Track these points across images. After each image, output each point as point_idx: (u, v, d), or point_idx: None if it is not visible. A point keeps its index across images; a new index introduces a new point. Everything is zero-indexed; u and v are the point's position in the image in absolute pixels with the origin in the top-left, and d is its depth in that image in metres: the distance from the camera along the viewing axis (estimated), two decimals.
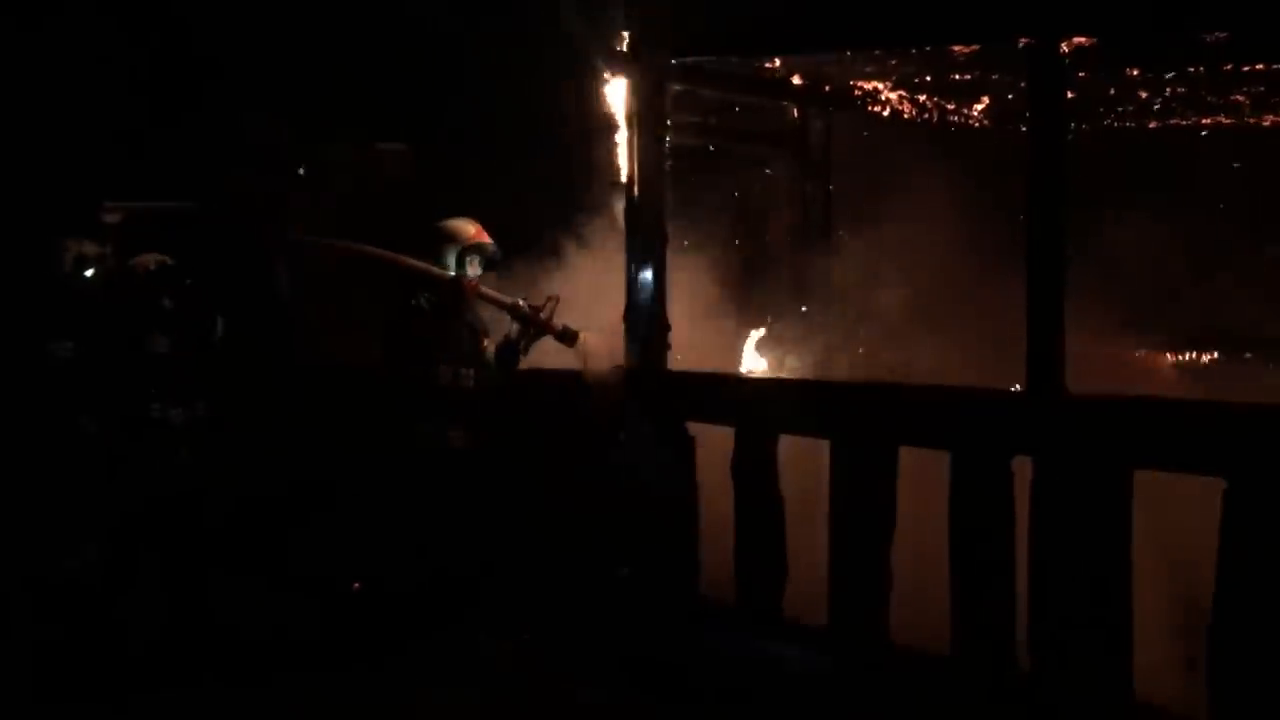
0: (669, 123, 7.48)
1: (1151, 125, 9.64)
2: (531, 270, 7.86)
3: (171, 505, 7.29)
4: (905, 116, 9.48)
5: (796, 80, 8.79)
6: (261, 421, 8.48)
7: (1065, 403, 5.86)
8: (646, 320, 7.30)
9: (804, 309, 9.14)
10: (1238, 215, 9.85)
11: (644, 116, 7.30)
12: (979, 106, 9.48)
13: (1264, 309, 9.25)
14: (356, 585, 7.54)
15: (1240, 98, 8.71)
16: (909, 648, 6.36)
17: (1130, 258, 9.74)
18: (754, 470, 6.88)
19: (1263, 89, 8.41)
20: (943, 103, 9.35)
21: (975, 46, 7.33)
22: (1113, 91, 8.64)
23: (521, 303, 7.26)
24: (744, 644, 6.86)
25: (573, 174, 8.76)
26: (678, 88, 7.72)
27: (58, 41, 10.33)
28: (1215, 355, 10.22)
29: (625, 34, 7.29)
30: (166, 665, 6.82)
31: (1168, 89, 8.53)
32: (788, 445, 6.86)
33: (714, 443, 7.08)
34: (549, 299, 7.27)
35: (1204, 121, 9.44)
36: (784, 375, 8.39)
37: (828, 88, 8.98)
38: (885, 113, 9.34)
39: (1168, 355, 10.28)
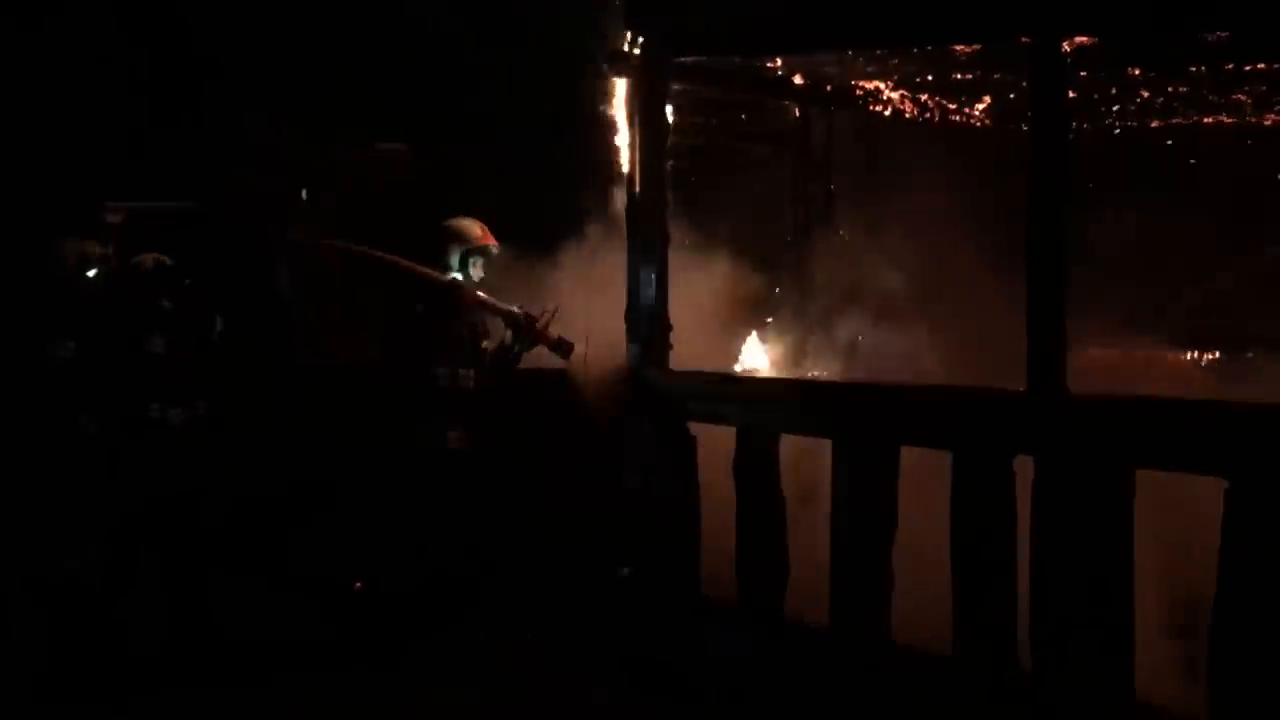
0: (670, 122, 7.48)
1: (1153, 124, 9.64)
2: (531, 270, 7.85)
3: (171, 505, 7.29)
4: (907, 116, 9.48)
5: (798, 80, 8.79)
6: (261, 421, 8.48)
7: (1066, 402, 5.85)
8: (648, 320, 7.30)
9: (805, 308, 9.13)
10: (1239, 214, 9.84)
11: (645, 116, 7.29)
12: (980, 106, 9.48)
13: (1265, 308, 9.25)
14: (358, 585, 7.53)
15: (1242, 97, 8.71)
16: (910, 647, 6.35)
17: (1131, 257, 9.74)
18: (755, 470, 6.88)
19: (1264, 88, 8.41)
20: (944, 102, 9.35)
21: (977, 46, 7.32)
22: (1114, 91, 8.64)
23: (518, 310, 7.20)
24: (745, 644, 6.85)
25: (573, 174, 8.76)
26: (679, 87, 7.72)
27: (58, 42, 10.32)
28: (1216, 354, 10.21)
29: (626, 34, 7.28)
30: (166, 665, 6.82)
31: (1169, 88, 8.52)
32: (789, 445, 6.86)
33: (715, 442, 7.08)
34: (546, 310, 7.21)
35: (1205, 121, 9.44)
36: (784, 375, 8.38)
37: (829, 87, 8.99)
38: (887, 112, 9.35)
39: (1169, 354, 10.27)
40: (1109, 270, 9.07)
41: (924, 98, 9.23)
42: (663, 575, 7.21)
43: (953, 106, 9.48)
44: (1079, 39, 6.27)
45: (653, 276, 7.31)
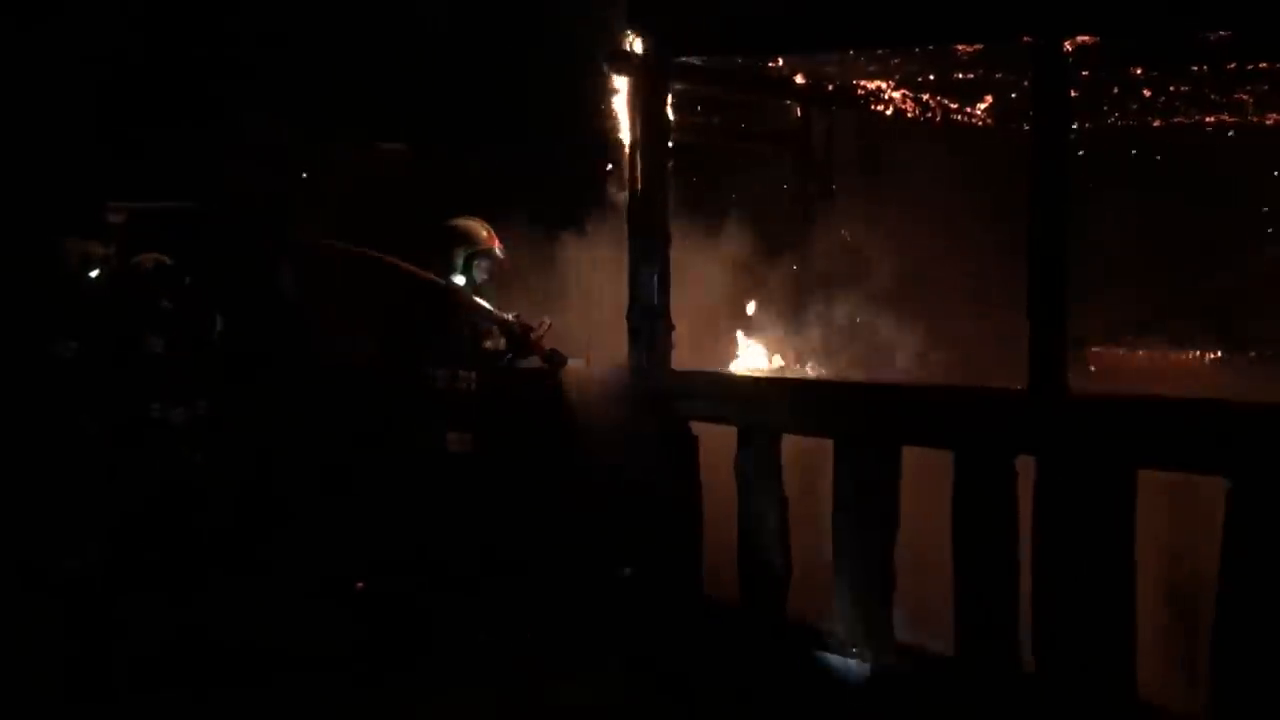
0: (671, 122, 7.47)
1: (1155, 124, 9.63)
2: (531, 271, 7.85)
3: (171, 505, 7.29)
4: (908, 115, 9.47)
5: (799, 79, 8.78)
6: (262, 421, 8.48)
7: (1068, 402, 5.85)
8: (649, 319, 7.29)
9: (806, 308, 9.12)
10: (1241, 213, 9.84)
11: (646, 116, 7.28)
12: (982, 105, 9.47)
13: (1267, 307, 9.24)
14: (360, 585, 7.53)
15: (1244, 96, 8.70)
16: (912, 647, 6.36)
17: (1133, 256, 9.73)
18: (757, 470, 6.88)
19: (1266, 87, 8.40)
20: (946, 102, 9.34)
21: (978, 45, 7.32)
22: (1116, 90, 8.62)
23: (512, 319, 7.18)
24: (747, 644, 6.85)
25: (574, 173, 8.75)
26: (680, 87, 7.71)
27: (59, 41, 10.32)
28: (1218, 354, 10.20)
29: (628, 33, 7.27)
30: (166, 665, 6.82)
31: (1171, 87, 8.51)
32: (790, 445, 6.86)
33: (717, 442, 7.07)
34: (541, 322, 7.19)
35: (1207, 120, 9.43)
36: (786, 375, 8.38)
37: (830, 87, 8.98)
38: (888, 112, 9.33)
39: (1170, 354, 10.26)
40: (1110, 269, 9.06)
41: (925, 97, 9.21)
42: (664, 575, 7.21)
43: (954, 106, 9.47)
44: (1081, 38, 6.26)
45: (654, 276, 7.29)
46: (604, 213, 8.01)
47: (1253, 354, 9.86)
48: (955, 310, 8.86)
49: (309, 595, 7.75)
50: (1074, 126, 6.62)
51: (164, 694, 6.58)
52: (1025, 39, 6.08)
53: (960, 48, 7.48)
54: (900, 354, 8.58)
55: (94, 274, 7.87)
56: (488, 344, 7.26)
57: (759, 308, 8.61)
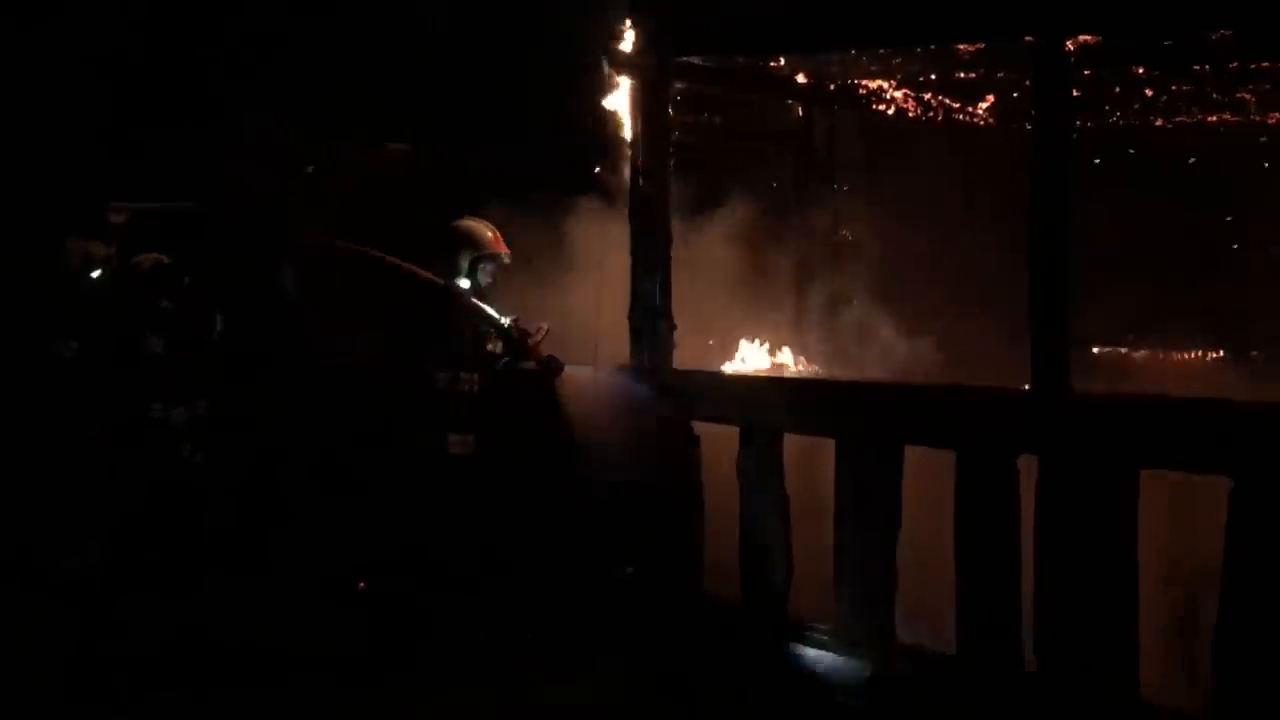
0: (672, 121, 7.47)
1: (1157, 123, 9.62)
2: (532, 271, 7.84)
3: (171, 505, 7.28)
4: (910, 115, 9.46)
5: (801, 79, 8.77)
6: (262, 421, 8.47)
7: (1070, 402, 5.84)
8: (651, 319, 7.28)
9: (807, 307, 9.13)
10: (1243, 213, 9.83)
11: (649, 116, 7.28)
12: (984, 105, 9.46)
13: (1270, 307, 9.23)
14: (361, 585, 7.52)
15: (1246, 95, 8.69)
16: (913, 647, 6.35)
17: (1135, 255, 9.72)
18: (758, 469, 6.87)
19: (1268, 87, 8.39)
20: (948, 101, 9.33)
21: (980, 45, 7.31)
22: (1118, 89, 8.62)
23: (509, 323, 7.14)
24: (748, 643, 6.84)
25: (576, 173, 8.74)
26: (682, 86, 7.71)
27: (61, 41, 10.32)
28: (1221, 354, 10.20)
29: (630, 33, 7.27)
30: (166, 665, 6.81)
31: (1172, 87, 8.51)
32: (791, 444, 6.85)
33: (719, 441, 7.07)
34: (539, 328, 7.14)
35: (1209, 119, 9.42)
36: (787, 374, 8.37)
37: (832, 86, 8.97)
38: (890, 111, 9.33)
39: (1173, 353, 10.26)
40: (1112, 269, 9.05)
41: (927, 97, 9.21)
42: (665, 575, 7.21)
43: (956, 105, 9.47)
44: (1082, 37, 6.26)
45: (656, 275, 7.29)
46: (605, 212, 8.00)
47: (1255, 353, 9.86)
48: (957, 310, 8.86)
49: (309, 595, 7.74)
50: (1076, 126, 6.60)
51: (164, 694, 6.57)
52: (1027, 38, 6.08)
53: (962, 47, 7.47)
54: (901, 353, 8.58)
55: (95, 274, 7.85)
56: (490, 347, 7.21)
57: (760, 307, 8.60)
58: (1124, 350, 10.38)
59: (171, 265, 7.46)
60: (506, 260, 7.24)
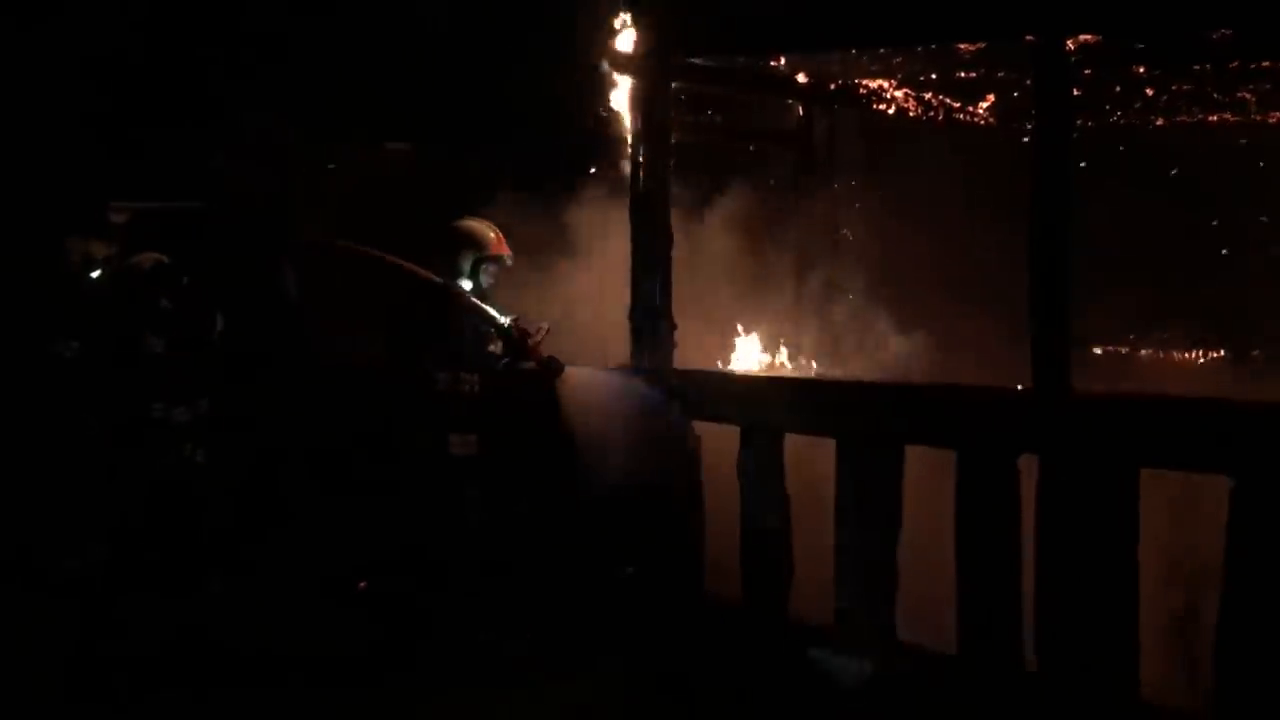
0: (673, 121, 7.47)
1: (1157, 122, 9.62)
2: (533, 271, 7.83)
3: (172, 505, 7.27)
4: (910, 114, 9.46)
5: (801, 78, 8.77)
6: (262, 421, 8.46)
7: (1071, 401, 5.84)
8: (652, 318, 7.28)
9: (808, 307, 9.12)
10: (1244, 212, 9.83)
11: (649, 116, 7.28)
12: (984, 104, 9.46)
13: (1271, 306, 9.23)
14: (362, 585, 7.52)
15: (1246, 95, 8.69)
16: (915, 646, 6.35)
17: (1136, 255, 9.72)
18: (759, 469, 6.87)
19: (1269, 86, 8.39)
20: (948, 100, 9.33)
21: (981, 44, 7.31)
22: (1118, 89, 8.62)
23: (509, 323, 7.08)
24: (749, 643, 6.84)
25: (578, 173, 8.75)
26: (682, 86, 7.70)
27: (62, 41, 10.32)
28: (1221, 353, 10.20)
29: (631, 33, 7.27)
30: (166, 665, 6.80)
31: (1173, 86, 8.51)
32: (792, 443, 6.85)
33: (720, 441, 7.06)
34: (540, 328, 7.09)
35: (1210, 119, 9.42)
36: (788, 373, 8.37)
37: (833, 86, 8.97)
38: (891, 111, 9.33)
39: (1174, 353, 10.26)
40: (1113, 268, 9.05)
41: (928, 96, 9.21)
42: (666, 575, 7.20)
43: (956, 105, 9.47)
44: (1083, 37, 6.26)
45: (657, 275, 7.29)
46: (606, 211, 8.00)
47: (1256, 353, 9.86)
48: (957, 309, 8.85)
49: (309, 595, 7.73)
50: (1076, 125, 6.60)
51: (164, 694, 6.56)
52: (1027, 38, 6.08)
53: (962, 46, 7.47)
54: (901, 353, 8.58)
55: (95, 274, 7.84)
56: (491, 347, 7.16)
57: (761, 306, 8.61)
58: (1124, 350, 10.38)
59: (171, 265, 7.45)
60: (509, 262, 7.20)
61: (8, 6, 10.20)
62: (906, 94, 9.11)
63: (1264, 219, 9.64)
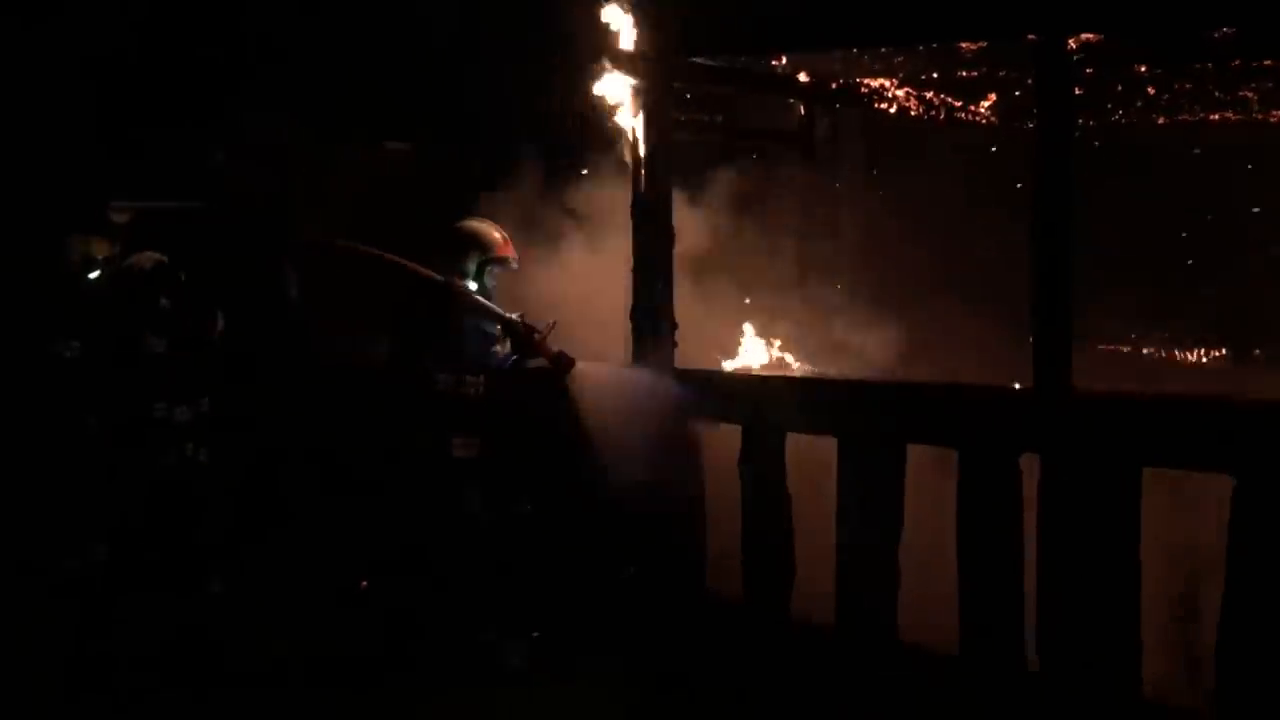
0: (675, 120, 7.46)
1: (1159, 121, 9.61)
2: (535, 271, 7.82)
3: (172, 505, 7.26)
4: (912, 113, 9.46)
5: (803, 77, 8.77)
6: (263, 422, 8.46)
7: (1072, 400, 5.84)
8: (654, 318, 7.27)
9: (809, 306, 9.11)
10: (1245, 211, 9.83)
11: (651, 115, 7.27)
12: (986, 103, 9.45)
13: (1272, 305, 9.23)
14: (363, 584, 7.51)
15: (1248, 93, 8.68)
16: (917, 646, 6.34)
17: (1137, 253, 9.72)
18: (761, 468, 6.86)
19: (1271, 85, 8.38)
20: (949, 99, 9.32)
21: (982, 43, 7.30)
22: (1120, 88, 8.61)
23: (516, 319, 7.00)
24: (751, 642, 6.83)
25: (579, 173, 8.74)
26: (684, 85, 7.69)
27: (61, 42, 10.31)
28: (1223, 352, 10.20)
29: (633, 33, 7.26)
30: (166, 665, 6.80)
31: (1175, 85, 8.50)
32: (794, 443, 6.84)
33: (721, 441, 7.06)
34: (547, 323, 7.02)
35: (1212, 117, 9.41)
36: (789, 373, 8.36)
37: (834, 85, 8.96)
38: (892, 110, 9.32)
39: (1175, 352, 10.26)
40: (1114, 267, 9.05)
41: (929, 95, 9.20)
42: (668, 574, 7.20)
43: (958, 104, 9.46)
44: (1085, 36, 6.25)
45: (658, 274, 7.28)
46: (607, 210, 7.99)
47: (1257, 352, 9.86)
48: (958, 308, 8.85)
49: (310, 595, 7.73)
50: (1078, 124, 6.60)
51: (164, 694, 6.56)
52: (1029, 37, 6.07)
53: (964, 45, 7.46)
54: (904, 351, 8.57)
55: (93, 275, 7.82)
56: (498, 346, 7.09)
57: (762, 305, 8.60)
58: (1126, 348, 10.37)
59: (171, 265, 7.44)
60: (515, 265, 7.15)
61: (8, 6, 10.19)
62: (908, 93, 9.11)
63: (1266, 217, 9.64)
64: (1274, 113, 9.24)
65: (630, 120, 7.34)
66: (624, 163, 7.50)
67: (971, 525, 6.05)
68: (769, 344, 8.53)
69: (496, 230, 7.12)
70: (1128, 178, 9.75)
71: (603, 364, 7.27)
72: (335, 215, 9.70)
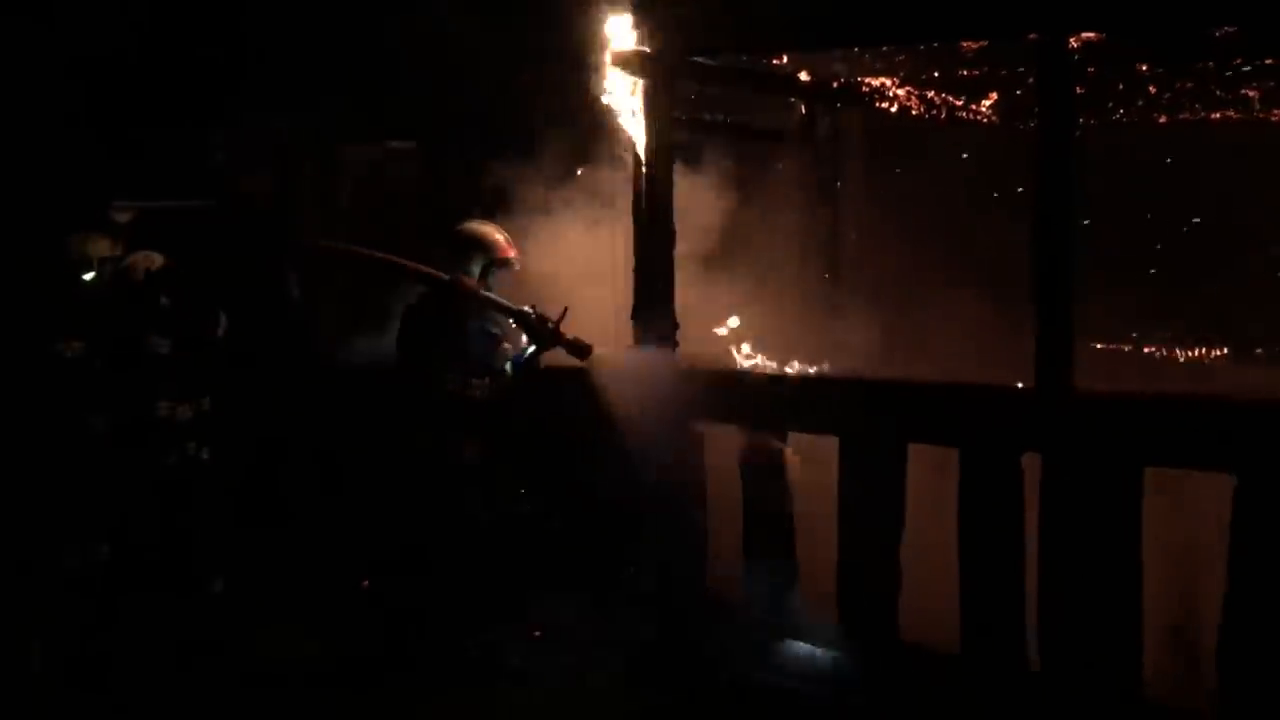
0: (676, 120, 7.45)
1: (1161, 120, 9.60)
2: (537, 270, 7.82)
3: (173, 505, 7.26)
4: (914, 112, 9.45)
5: (804, 76, 8.76)
6: (265, 422, 8.46)
7: (1074, 399, 5.83)
8: (654, 317, 7.26)
9: (811, 305, 9.12)
10: (1247, 210, 9.82)
11: (653, 115, 7.26)
12: (987, 102, 9.44)
13: (1273, 305, 9.23)
14: (364, 584, 7.51)
15: (1250, 92, 8.67)
16: (918, 646, 6.34)
17: (1138, 252, 9.72)
18: (762, 467, 6.86)
19: (1272, 84, 8.38)
20: (951, 98, 9.31)
21: (984, 42, 7.30)
22: (1121, 87, 8.60)
23: (529, 310, 6.96)
24: (752, 642, 6.83)
25: (580, 172, 8.74)
26: (685, 84, 7.69)
27: (61, 41, 10.31)
28: (1224, 351, 10.19)
29: (634, 33, 7.26)
30: (166, 665, 6.80)
31: (1176, 84, 8.49)
32: (796, 441, 6.85)
33: (722, 440, 7.05)
34: (560, 310, 6.99)
35: (1213, 116, 9.40)
36: (790, 372, 8.36)
37: (835, 84, 8.95)
38: (893, 109, 9.31)
39: (1177, 351, 10.26)
40: (1116, 266, 9.05)
41: (930, 94, 9.19)
42: (669, 574, 7.19)
43: (959, 103, 9.45)
44: (1086, 35, 6.25)
45: (659, 273, 7.27)
46: (608, 210, 7.99)
47: (1259, 351, 9.85)
48: (959, 307, 8.85)
49: (311, 595, 7.74)
50: (1079, 123, 6.59)
51: (164, 693, 6.56)
52: (1031, 36, 6.07)
53: (965, 44, 7.45)
54: (904, 350, 8.58)
55: (88, 276, 7.79)
56: (507, 345, 7.06)
57: (762, 304, 8.59)
58: (1127, 348, 10.37)
59: (171, 264, 7.43)
60: (518, 266, 7.13)
61: (9, 6, 10.19)
62: (909, 92, 9.09)
63: (1267, 216, 9.63)
64: (1275, 112, 9.23)
65: (631, 120, 7.34)
66: (625, 162, 7.49)
67: (973, 525, 6.05)
68: (769, 344, 8.52)
69: (499, 232, 7.10)
70: (1129, 177, 9.74)
71: (620, 349, 7.24)
72: (337, 215, 9.70)
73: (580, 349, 6.96)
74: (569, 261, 8.03)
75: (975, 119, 9.75)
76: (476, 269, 6.98)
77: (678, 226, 7.31)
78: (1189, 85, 8.51)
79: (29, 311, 7.78)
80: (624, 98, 7.38)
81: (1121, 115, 9.50)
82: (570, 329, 6.94)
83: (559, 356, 7.02)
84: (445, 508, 6.89)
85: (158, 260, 7.37)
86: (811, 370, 8.27)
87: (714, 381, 7.26)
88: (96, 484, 7.19)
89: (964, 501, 6.07)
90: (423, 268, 6.95)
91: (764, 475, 6.90)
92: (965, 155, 9.70)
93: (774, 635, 6.79)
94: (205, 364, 7.44)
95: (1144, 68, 8.07)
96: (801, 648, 6.68)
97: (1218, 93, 8.70)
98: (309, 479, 8.53)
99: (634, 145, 7.33)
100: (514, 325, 6.97)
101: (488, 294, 6.93)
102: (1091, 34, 6.25)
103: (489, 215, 7.43)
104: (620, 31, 7.26)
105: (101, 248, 7.92)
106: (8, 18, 9.97)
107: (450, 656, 6.79)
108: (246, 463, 8.11)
